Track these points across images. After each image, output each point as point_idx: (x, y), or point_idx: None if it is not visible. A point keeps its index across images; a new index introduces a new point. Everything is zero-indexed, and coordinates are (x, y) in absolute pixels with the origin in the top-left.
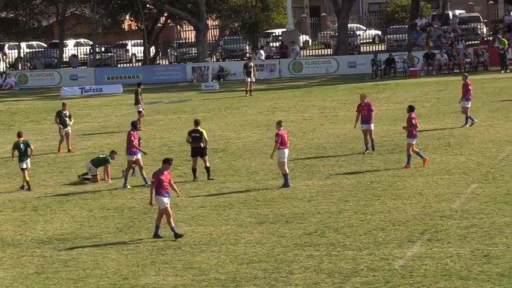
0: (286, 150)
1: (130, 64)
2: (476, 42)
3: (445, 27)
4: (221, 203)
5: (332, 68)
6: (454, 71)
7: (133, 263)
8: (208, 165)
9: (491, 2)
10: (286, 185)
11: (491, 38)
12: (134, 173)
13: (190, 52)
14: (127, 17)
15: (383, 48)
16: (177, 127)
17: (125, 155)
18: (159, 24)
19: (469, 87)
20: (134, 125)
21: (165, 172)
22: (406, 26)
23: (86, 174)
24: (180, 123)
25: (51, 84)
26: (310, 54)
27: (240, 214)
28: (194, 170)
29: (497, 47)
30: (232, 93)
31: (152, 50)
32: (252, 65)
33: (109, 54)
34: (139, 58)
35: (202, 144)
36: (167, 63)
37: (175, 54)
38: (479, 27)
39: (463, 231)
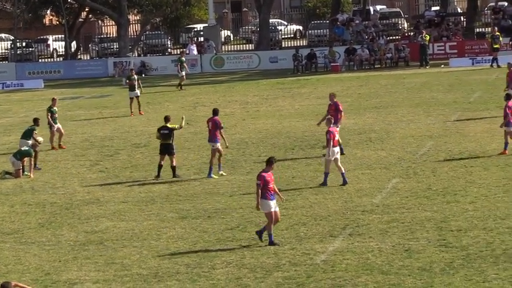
0: (336, 149)
1: (52, 59)
2: (397, 37)
3: (366, 22)
4: (143, 198)
5: (254, 63)
6: (375, 66)
7: (55, 258)
8: (174, 164)
9: None
10: (324, 183)
11: (412, 33)
12: (37, 166)
13: (112, 47)
14: (48, 11)
15: (304, 44)
16: (99, 122)
17: (207, 142)
18: (80, 19)
19: None
20: (216, 112)
21: (269, 173)
22: (328, 22)
23: (10, 173)
24: (102, 118)
25: None
26: (232, 49)
27: (162, 209)
28: (160, 167)
29: (419, 42)
30: (154, 88)
31: (73, 45)
32: (184, 59)
33: (30, 49)
34: (61, 53)
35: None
36: (88, 58)
37: (97, 49)
38: (400, 22)
39: (384, 225)
